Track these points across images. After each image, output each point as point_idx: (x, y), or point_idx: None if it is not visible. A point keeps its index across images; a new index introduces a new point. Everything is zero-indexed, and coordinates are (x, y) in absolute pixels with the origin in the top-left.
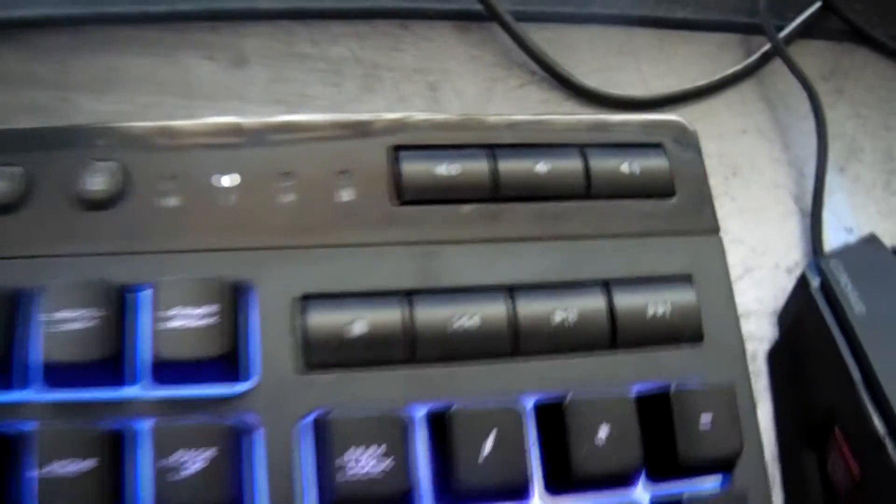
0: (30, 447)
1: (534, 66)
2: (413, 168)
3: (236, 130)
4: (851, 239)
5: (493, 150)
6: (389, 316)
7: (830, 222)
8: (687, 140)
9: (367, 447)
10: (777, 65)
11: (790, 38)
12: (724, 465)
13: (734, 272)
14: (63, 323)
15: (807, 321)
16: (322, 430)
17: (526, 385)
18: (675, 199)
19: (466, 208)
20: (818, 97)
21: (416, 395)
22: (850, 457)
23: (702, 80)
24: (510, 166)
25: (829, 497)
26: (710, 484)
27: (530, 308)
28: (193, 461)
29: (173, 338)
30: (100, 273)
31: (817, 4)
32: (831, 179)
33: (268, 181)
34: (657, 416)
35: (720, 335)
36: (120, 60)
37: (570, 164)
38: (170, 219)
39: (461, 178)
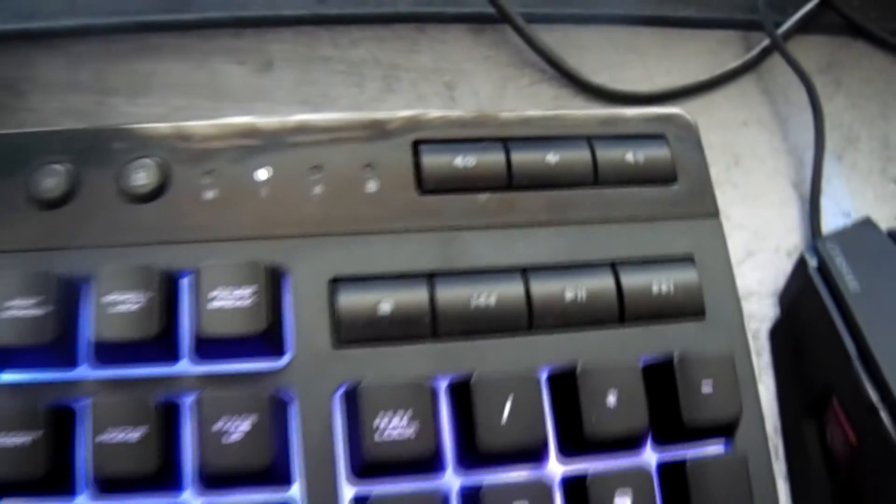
0: (87, 417)
1: (544, 65)
2: (433, 160)
3: (268, 128)
4: (849, 223)
5: (506, 142)
6: (413, 296)
7: (829, 208)
8: (688, 130)
9: (395, 413)
10: (776, 59)
11: (789, 34)
12: (726, 430)
13: (737, 256)
14: (115, 305)
15: (805, 300)
16: (353, 399)
17: (541, 357)
18: (677, 185)
19: (483, 197)
20: (815, 88)
21: (440, 367)
22: (848, 425)
23: (704, 76)
24: (523, 157)
25: (828, 464)
26: (713, 448)
27: (543, 287)
28: (236, 428)
29: (216, 316)
30: (145, 261)
31: (815, 0)
32: (829, 167)
33: (299, 175)
34: (662, 383)
35: (721, 310)
36: (153, 66)
37: (579, 155)
38: (209, 210)
39: (477, 169)
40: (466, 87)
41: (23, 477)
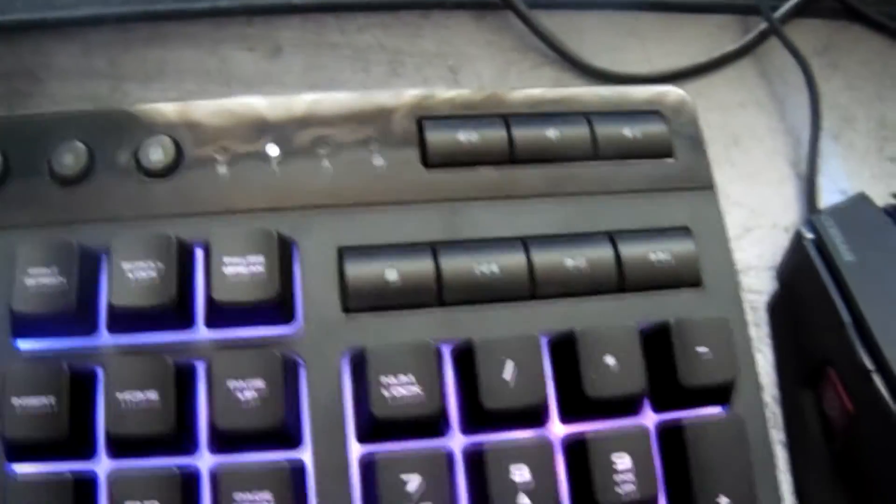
0: (106, 381)
1: (546, 49)
2: (437, 136)
3: (278, 107)
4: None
5: (507, 119)
6: (419, 264)
7: (826, 186)
8: (684, 107)
9: (400, 374)
10: (774, 43)
11: (786, 18)
12: (723, 394)
13: (735, 231)
14: (132, 272)
15: (802, 272)
16: (361, 362)
17: (543, 323)
18: (674, 159)
19: (485, 170)
20: (811, 69)
21: (444, 333)
22: (844, 392)
23: (703, 59)
24: (524, 133)
25: (826, 433)
26: (711, 412)
27: (544, 256)
28: (248, 389)
29: (229, 283)
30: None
31: None
32: (826, 147)
33: (308, 150)
34: (660, 349)
35: (717, 280)
36: (166, 53)
37: (578, 130)
38: (221, 185)
39: (480, 143)
40: (470, 70)
41: (45, 439)
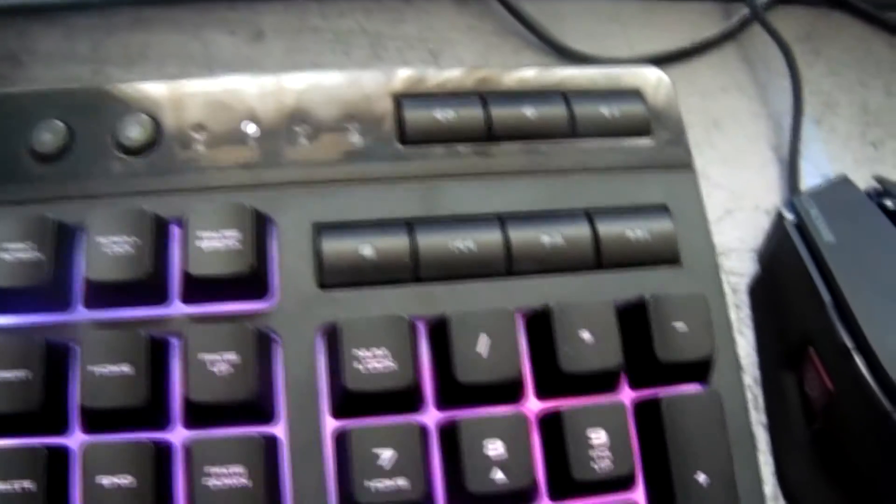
0: (80, 354)
1: (527, 34)
2: (414, 114)
3: (256, 85)
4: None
5: (485, 97)
6: (395, 241)
7: (808, 170)
8: (662, 86)
9: (374, 347)
10: (756, 29)
11: (769, 5)
12: (701, 371)
13: (716, 214)
14: (108, 246)
15: (783, 253)
16: (334, 335)
17: (519, 299)
18: (652, 138)
19: (463, 147)
20: (793, 54)
21: (420, 309)
22: (825, 372)
23: (685, 45)
24: (501, 111)
25: (807, 414)
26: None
27: (521, 233)
28: (221, 361)
29: (204, 257)
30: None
31: None
32: (809, 131)
33: (285, 128)
34: (637, 325)
35: (696, 257)
36: (149, 37)
37: (556, 109)
38: (199, 162)
39: (457, 121)
40: (451, 55)
41: (18, 412)
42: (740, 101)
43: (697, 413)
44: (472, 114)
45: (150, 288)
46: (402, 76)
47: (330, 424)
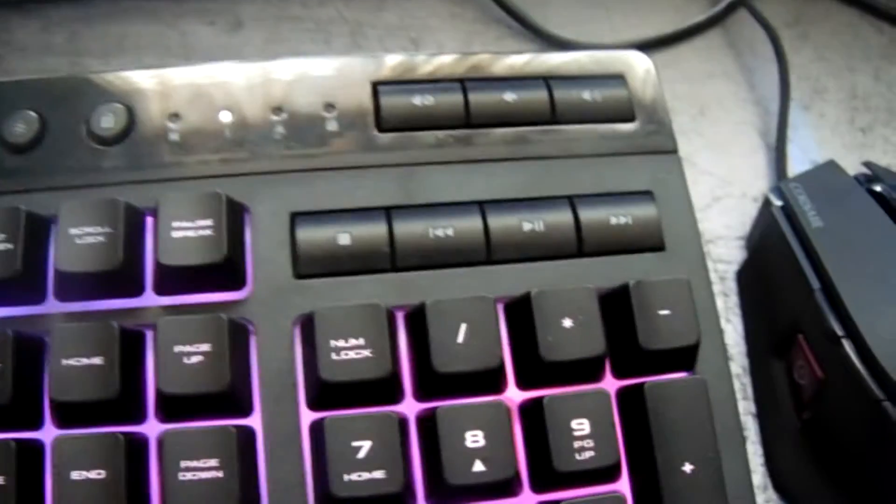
0: (51, 346)
1: (510, 21)
2: (391, 100)
3: (231, 73)
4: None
5: (464, 83)
6: (372, 228)
7: (797, 156)
8: (645, 71)
9: (350, 337)
10: (743, 14)
11: None
12: (686, 358)
13: (703, 201)
14: (80, 237)
15: (770, 239)
16: (310, 324)
17: (499, 287)
18: (636, 123)
19: (441, 134)
20: (779, 38)
21: (398, 298)
22: (814, 359)
23: (670, 30)
24: (480, 96)
25: (797, 402)
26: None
27: (501, 220)
28: (195, 352)
29: (177, 246)
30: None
31: None
32: (797, 117)
33: (262, 116)
34: (620, 312)
35: (680, 243)
36: (127, 28)
37: (536, 94)
38: (173, 151)
39: (436, 107)
40: (432, 42)
41: None
42: (727, 87)
43: (682, 401)
44: (452, 100)
45: (122, 279)
46: (380, 62)
47: (307, 416)
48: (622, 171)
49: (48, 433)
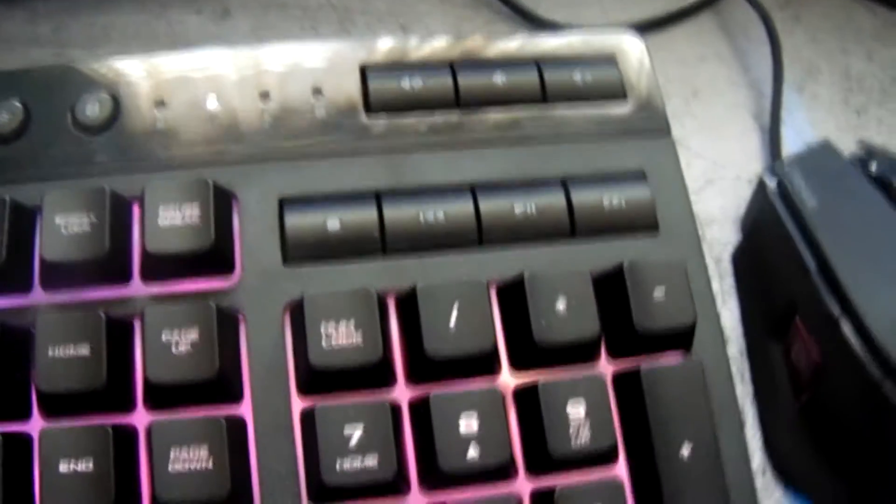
0: (37, 336)
1: (500, 5)
2: (380, 84)
3: (218, 60)
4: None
5: (453, 66)
6: (362, 213)
7: (791, 138)
8: (636, 52)
9: (340, 322)
10: None
11: None
12: (682, 340)
13: (697, 183)
14: (65, 226)
15: (765, 221)
16: (300, 310)
17: (491, 271)
18: (628, 103)
19: (431, 118)
20: (772, 20)
21: (389, 282)
22: (811, 340)
23: (661, 13)
24: (470, 79)
25: (794, 385)
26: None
27: (492, 203)
28: (183, 340)
29: (164, 233)
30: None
31: None
32: (790, 99)
33: (249, 102)
34: (614, 294)
35: (674, 225)
36: (112, 18)
37: (527, 75)
38: (160, 139)
39: (425, 91)
40: (421, 28)
41: None
42: (719, 69)
43: (679, 383)
44: (441, 83)
45: (108, 267)
46: (368, 45)
47: (298, 403)
48: (615, 154)
49: (35, 425)
